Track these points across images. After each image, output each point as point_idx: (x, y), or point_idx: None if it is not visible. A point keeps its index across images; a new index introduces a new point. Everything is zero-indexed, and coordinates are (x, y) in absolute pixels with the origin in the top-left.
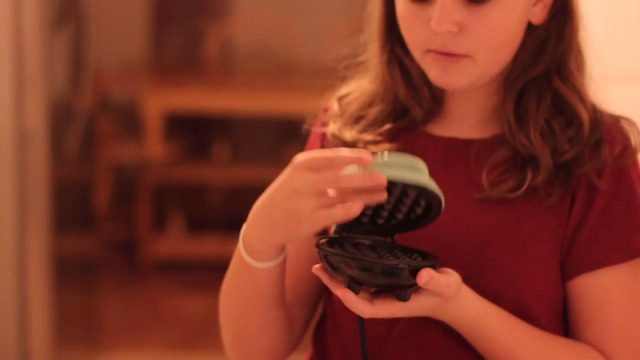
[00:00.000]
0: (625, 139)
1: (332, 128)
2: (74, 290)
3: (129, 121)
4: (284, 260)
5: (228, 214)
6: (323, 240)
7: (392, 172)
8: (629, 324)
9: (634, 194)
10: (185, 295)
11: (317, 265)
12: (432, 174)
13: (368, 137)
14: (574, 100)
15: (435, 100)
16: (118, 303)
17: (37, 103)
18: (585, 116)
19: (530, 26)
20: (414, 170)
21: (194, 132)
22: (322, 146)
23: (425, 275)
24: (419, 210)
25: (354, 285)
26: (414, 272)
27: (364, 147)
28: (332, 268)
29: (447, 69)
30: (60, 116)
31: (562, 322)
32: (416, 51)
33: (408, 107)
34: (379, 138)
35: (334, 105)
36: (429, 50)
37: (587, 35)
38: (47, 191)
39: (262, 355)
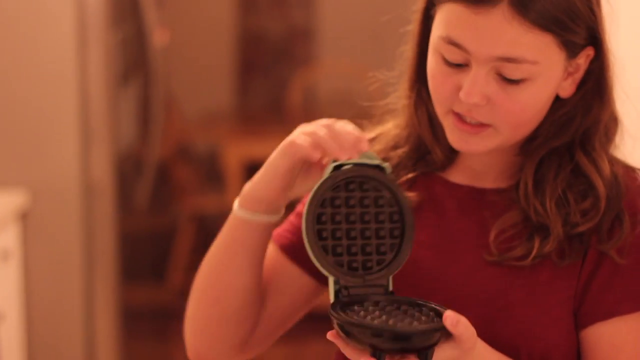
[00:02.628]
0: None
1: None
2: (146, 340)
3: (212, 171)
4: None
5: None
6: (335, 306)
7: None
8: None
9: None
10: None
11: (331, 332)
12: (448, 221)
13: None
14: (592, 174)
15: (454, 149)
16: None
17: (104, 156)
18: (602, 190)
19: (557, 98)
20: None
21: None
22: None
23: (453, 317)
24: (397, 233)
25: (379, 354)
26: (430, 336)
27: None
28: (347, 334)
29: (467, 138)
30: (128, 168)
31: None
32: (440, 109)
33: (430, 150)
34: None
35: None
36: (451, 112)
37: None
38: (114, 242)
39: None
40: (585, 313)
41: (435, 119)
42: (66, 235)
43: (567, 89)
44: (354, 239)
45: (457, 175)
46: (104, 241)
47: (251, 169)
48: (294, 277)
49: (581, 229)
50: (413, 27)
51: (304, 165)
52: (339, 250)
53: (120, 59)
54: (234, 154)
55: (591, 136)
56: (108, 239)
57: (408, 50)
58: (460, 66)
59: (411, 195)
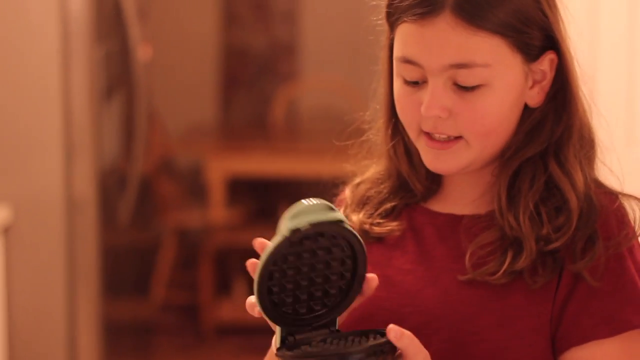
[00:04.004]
0: (623, 226)
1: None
2: (128, 355)
3: (195, 185)
4: None
5: None
6: (281, 348)
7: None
8: None
9: (624, 267)
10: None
11: None
12: (427, 247)
13: (372, 219)
14: (566, 187)
15: (432, 178)
16: None
17: (87, 170)
18: (574, 205)
19: (527, 108)
20: (325, 211)
21: (258, 195)
22: None
23: (397, 330)
24: (348, 275)
25: None
26: (376, 353)
27: (369, 229)
28: None
29: (439, 155)
30: (111, 184)
31: None
32: (411, 132)
33: (409, 182)
34: (381, 221)
35: (347, 193)
36: (422, 133)
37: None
38: (97, 258)
39: None
40: (560, 338)
41: (412, 151)
42: (49, 250)
43: (535, 98)
44: (300, 286)
45: (438, 205)
46: (87, 256)
47: (234, 183)
48: None
49: (555, 245)
50: (382, 65)
51: None
52: (286, 300)
53: (103, 74)
54: (216, 169)
55: (564, 144)
56: (91, 253)
57: (380, 87)
58: (419, 83)
59: (394, 224)
